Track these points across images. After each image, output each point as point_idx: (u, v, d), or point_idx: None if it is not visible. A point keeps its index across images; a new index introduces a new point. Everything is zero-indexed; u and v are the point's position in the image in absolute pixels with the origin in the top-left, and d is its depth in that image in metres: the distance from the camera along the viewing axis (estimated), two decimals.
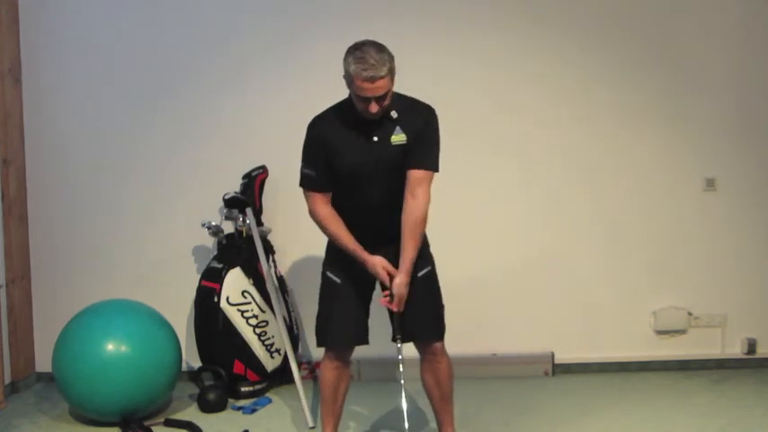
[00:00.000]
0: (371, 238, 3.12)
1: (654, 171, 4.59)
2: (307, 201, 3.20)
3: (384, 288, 3.13)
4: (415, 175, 3.06)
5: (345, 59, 2.97)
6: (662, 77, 4.55)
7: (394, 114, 3.06)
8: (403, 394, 3.13)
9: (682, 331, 4.65)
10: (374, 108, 2.96)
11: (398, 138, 3.06)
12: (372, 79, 2.90)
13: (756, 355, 4.64)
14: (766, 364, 4.62)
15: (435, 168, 3.13)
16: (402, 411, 3.11)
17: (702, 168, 4.59)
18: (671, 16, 4.53)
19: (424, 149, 3.08)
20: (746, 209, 4.62)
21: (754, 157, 4.61)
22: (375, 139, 3.06)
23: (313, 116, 3.23)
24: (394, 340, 3.16)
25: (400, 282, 3.07)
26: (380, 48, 2.95)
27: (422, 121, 3.10)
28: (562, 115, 4.55)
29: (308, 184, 3.17)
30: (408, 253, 3.08)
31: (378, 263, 3.09)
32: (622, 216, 4.60)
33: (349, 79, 2.97)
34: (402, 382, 3.13)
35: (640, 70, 4.54)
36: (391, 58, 2.95)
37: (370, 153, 3.06)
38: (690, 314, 4.63)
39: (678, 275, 4.63)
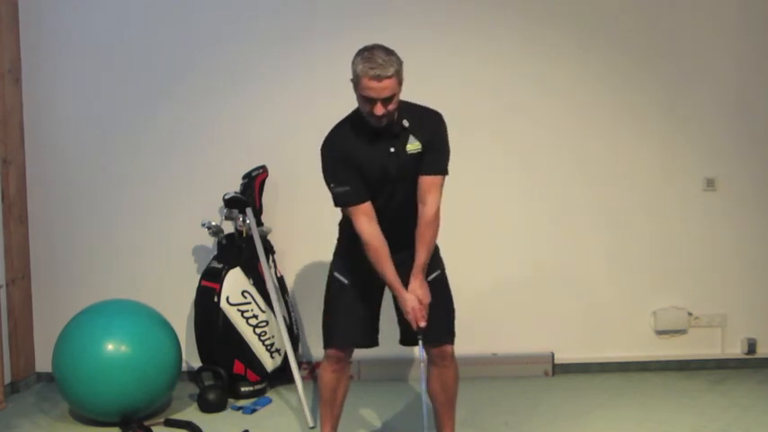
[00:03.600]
0: (389, 243, 3.10)
1: (654, 171, 4.59)
2: (351, 219, 3.11)
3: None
4: (424, 181, 3.07)
5: (353, 61, 2.96)
6: (662, 78, 4.56)
7: (406, 123, 3.06)
8: (424, 396, 3.18)
9: (682, 331, 4.65)
10: (379, 110, 2.94)
11: (414, 146, 3.06)
12: (379, 78, 2.88)
13: (756, 355, 4.64)
14: (766, 364, 4.63)
15: (444, 171, 3.12)
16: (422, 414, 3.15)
17: (702, 168, 4.60)
18: (672, 16, 4.53)
19: (436, 154, 3.09)
20: (746, 209, 4.62)
21: (754, 157, 4.62)
22: (392, 150, 3.06)
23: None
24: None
25: (412, 287, 3.08)
26: (389, 51, 2.96)
27: (431, 127, 3.10)
28: (562, 115, 4.55)
29: (346, 200, 3.09)
30: (420, 257, 3.09)
31: (410, 302, 3.06)
32: (622, 216, 4.60)
33: (356, 79, 2.95)
34: (424, 386, 3.17)
35: (641, 70, 4.54)
36: (399, 62, 2.95)
37: (388, 164, 3.06)
38: (690, 314, 4.63)
39: (678, 275, 4.64)
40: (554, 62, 4.52)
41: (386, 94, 2.92)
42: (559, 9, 4.51)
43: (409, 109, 3.10)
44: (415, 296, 3.06)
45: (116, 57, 4.50)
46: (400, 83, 2.97)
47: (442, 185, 3.11)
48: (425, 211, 3.07)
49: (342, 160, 3.06)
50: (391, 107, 2.97)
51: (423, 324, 3.06)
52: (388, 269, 3.07)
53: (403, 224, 3.10)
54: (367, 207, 3.08)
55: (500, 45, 4.51)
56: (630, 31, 4.53)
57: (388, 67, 2.90)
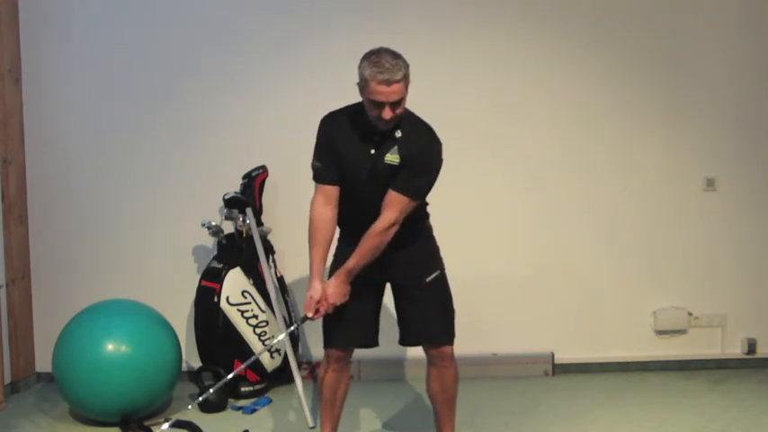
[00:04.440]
0: (355, 239, 3.10)
1: (654, 171, 4.59)
2: (314, 194, 3.18)
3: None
4: (389, 194, 3.04)
5: (360, 65, 2.95)
6: (662, 78, 4.56)
7: (398, 134, 3.05)
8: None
9: (682, 331, 4.65)
10: (388, 114, 2.93)
11: (392, 158, 3.04)
12: (388, 82, 2.88)
13: (756, 355, 4.64)
14: (766, 364, 4.63)
15: (415, 196, 3.07)
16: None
17: (702, 168, 4.60)
18: (671, 17, 4.53)
19: (411, 174, 3.04)
20: (746, 209, 4.63)
21: (754, 157, 4.62)
22: (372, 151, 3.06)
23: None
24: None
25: (327, 282, 3.11)
26: (396, 54, 2.95)
27: (420, 147, 3.05)
28: (561, 116, 4.56)
29: (315, 175, 3.16)
30: (349, 262, 3.08)
31: (313, 290, 3.09)
32: (622, 216, 4.60)
33: (364, 83, 2.95)
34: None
35: (640, 71, 4.55)
36: (406, 65, 2.95)
37: (364, 163, 3.06)
38: (690, 314, 4.63)
39: (678, 275, 4.64)
40: (553, 63, 4.52)
41: (394, 98, 2.92)
42: (559, 11, 4.51)
43: (411, 122, 3.08)
44: (324, 291, 3.08)
45: (116, 57, 4.50)
46: (407, 86, 2.96)
47: (406, 205, 3.04)
48: (377, 222, 3.04)
49: (326, 142, 3.12)
50: (399, 111, 2.97)
51: (309, 315, 3.09)
52: (316, 253, 3.11)
53: (368, 226, 3.08)
54: (330, 190, 3.12)
55: (499, 47, 4.51)
56: (630, 31, 4.53)
57: (396, 71, 2.90)
